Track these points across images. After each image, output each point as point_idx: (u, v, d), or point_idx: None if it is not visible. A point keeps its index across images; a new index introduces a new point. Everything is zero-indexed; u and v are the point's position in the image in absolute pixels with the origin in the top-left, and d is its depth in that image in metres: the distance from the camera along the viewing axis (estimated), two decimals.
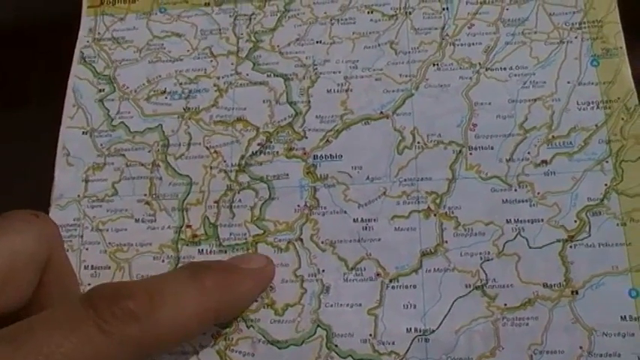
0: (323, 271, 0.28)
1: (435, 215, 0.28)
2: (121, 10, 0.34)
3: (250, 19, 0.33)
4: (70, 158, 0.31)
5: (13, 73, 0.37)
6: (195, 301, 0.24)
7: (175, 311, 0.23)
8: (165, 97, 0.32)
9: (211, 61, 0.32)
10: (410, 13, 0.32)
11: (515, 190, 0.28)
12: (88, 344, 0.20)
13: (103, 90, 0.32)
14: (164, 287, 0.24)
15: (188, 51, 0.33)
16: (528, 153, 0.29)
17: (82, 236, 0.30)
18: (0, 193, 0.33)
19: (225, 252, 0.29)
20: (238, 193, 0.30)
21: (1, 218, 0.25)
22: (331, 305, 0.28)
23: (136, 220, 0.30)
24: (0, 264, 0.23)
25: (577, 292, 0.26)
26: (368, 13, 0.32)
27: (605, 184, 0.28)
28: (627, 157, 0.28)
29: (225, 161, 0.30)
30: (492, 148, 0.29)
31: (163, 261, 0.29)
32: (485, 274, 0.27)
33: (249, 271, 0.27)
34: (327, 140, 0.30)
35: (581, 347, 0.26)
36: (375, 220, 0.29)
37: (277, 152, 0.30)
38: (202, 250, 0.29)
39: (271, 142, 0.30)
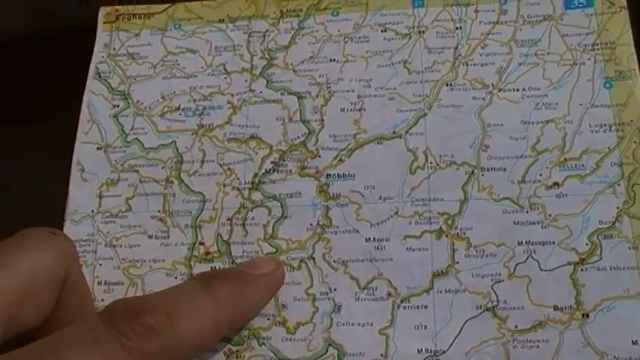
0: (335, 289, 0.28)
1: (446, 236, 0.28)
2: (136, 26, 0.34)
3: (264, 36, 0.33)
4: (84, 174, 0.31)
5: (26, 87, 0.37)
6: (211, 313, 0.24)
7: (193, 324, 0.23)
8: (180, 114, 0.32)
9: (225, 78, 0.33)
10: (423, 32, 0.32)
11: (527, 212, 0.28)
12: None
13: (118, 105, 0.33)
14: (180, 301, 0.24)
15: (202, 67, 0.33)
16: (540, 175, 0.29)
17: (95, 252, 0.30)
18: (12, 209, 0.33)
19: None
20: (251, 211, 0.30)
21: (18, 237, 0.25)
22: (343, 324, 0.28)
23: (150, 237, 0.30)
24: (20, 282, 0.23)
25: (588, 316, 0.27)
26: (381, 31, 0.32)
27: (617, 207, 0.28)
28: (639, 180, 0.28)
29: (238, 179, 0.31)
30: (504, 170, 0.29)
31: (176, 277, 0.29)
32: (497, 296, 0.27)
33: (260, 277, 0.27)
34: (340, 159, 0.30)
35: None
36: (387, 239, 0.29)
37: (290, 170, 0.30)
38: (215, 267, 0.29)
39: (285, 160, 0.31)
